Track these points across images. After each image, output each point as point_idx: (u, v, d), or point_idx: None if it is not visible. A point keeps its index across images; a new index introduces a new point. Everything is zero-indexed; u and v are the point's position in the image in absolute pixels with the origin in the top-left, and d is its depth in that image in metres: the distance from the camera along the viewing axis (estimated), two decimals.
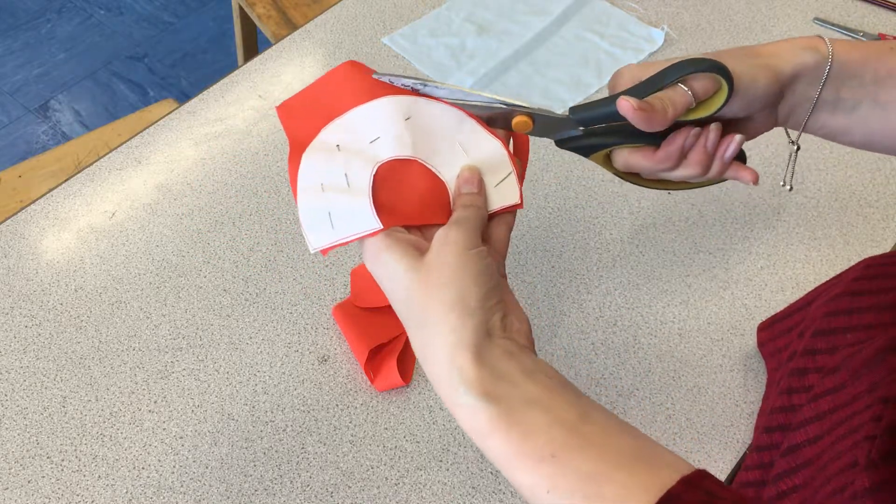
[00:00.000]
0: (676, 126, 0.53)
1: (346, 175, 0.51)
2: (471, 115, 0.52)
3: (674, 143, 0.53)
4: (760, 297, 0.82)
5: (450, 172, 0.52)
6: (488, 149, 0.52)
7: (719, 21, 1.09)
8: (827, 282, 0.72)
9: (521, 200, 0.52)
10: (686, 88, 0.50)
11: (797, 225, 0.88)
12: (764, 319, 0.79)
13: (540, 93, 0.99)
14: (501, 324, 0.46)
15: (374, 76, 0.51)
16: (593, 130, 0.54)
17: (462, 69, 1.01)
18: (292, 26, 1.41)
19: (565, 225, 0.87)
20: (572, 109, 0.53)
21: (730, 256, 0.85)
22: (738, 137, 0.53)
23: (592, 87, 1.00)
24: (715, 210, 0.88)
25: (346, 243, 0.51)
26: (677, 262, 0.84)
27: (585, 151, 0.55)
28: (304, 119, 0.53)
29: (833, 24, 1.08)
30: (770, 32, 1.07)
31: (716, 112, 0.51)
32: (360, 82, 0.52)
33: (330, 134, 0.52)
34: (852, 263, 0.83)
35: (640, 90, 0.51)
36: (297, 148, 0.52)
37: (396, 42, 1.04)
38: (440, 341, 0.44)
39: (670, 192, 0.58)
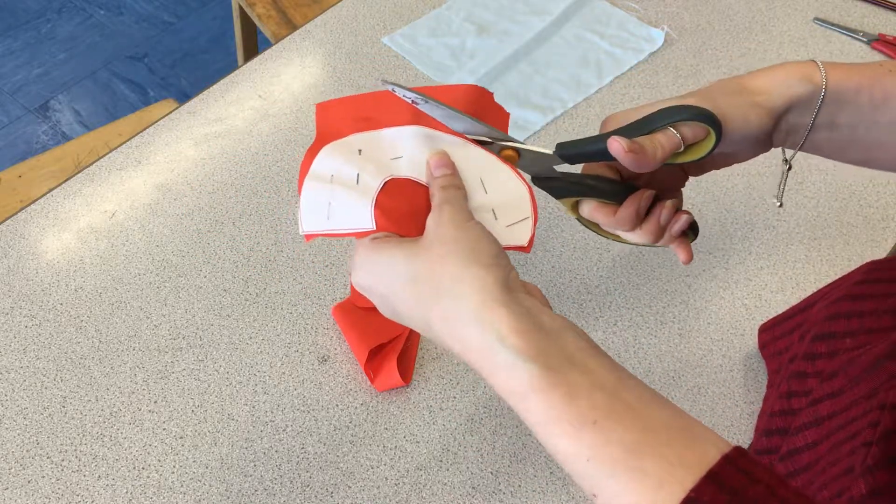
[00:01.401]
0: (659, 178, 0.55)
1: (358, 174, 0.52)
2: (503, 161, 0.53)
3: (630, 207, 0.53)
4: (760, 298, 0.82)
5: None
6: (511, 190, 0.53)
7: (719, 21, 1.09)
8: (829, 284, 0.72)
9: (530, 246, 0.52)
10: (675, 132, 0.50)
11: (797, 225, 0.88)
12: (764, 320, 0.79)
13: (540, 93, 0.99)
14: (519, 282, 0.46)
15: (381, 82, 0.52)
16: (569, 178, 0.55)
17: (462, 69, 1.01)
18: (292, 26, 1.41)
19: (565, 225, 0.87)
20: (559, 146, 0.53)
21: (730, 256, 0.85)
22: (684, 217, 0.54)
23: (592, 88, 1.00)
24: (715, 210, 0.88)
25: (335, 236, 0.52)
26: (677, 262, 0.84)
27: (557, 194, 0.56)
28: (337, 122, 0.54)
29: (833, 24, 1.08)
30: (770, 32, 1.07)
31: (705, 156, 0.52)
32: (403, 112, 0.54)
33: (357, 140, 0.54)
34: (852, 264, 0.83)
35: (629, 131, 0.51)
36: (321, 142, 0.54)
37: (396, 42, 1.04)
38: (464, 303, 0.43)
39: (625, 243, 0.59)
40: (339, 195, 0.52)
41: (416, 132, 0.53)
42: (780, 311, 0.78)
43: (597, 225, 0.57)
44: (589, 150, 0.52)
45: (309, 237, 0.53)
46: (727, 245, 0.86)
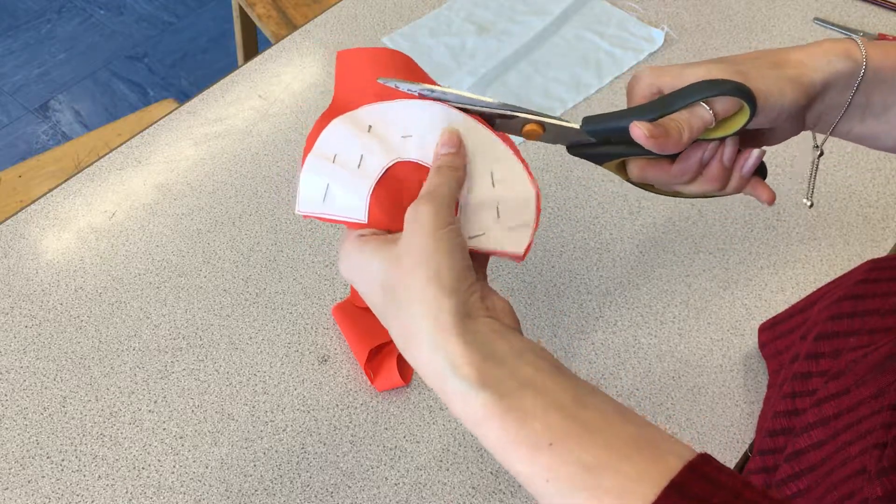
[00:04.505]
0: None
1: (361, 156, 0.50)
2: (520, 158, 0.50)
3: (691, 158, 0.51)
4: (761, 298, 0.82)
5: (467, 195, 0.50)
6: (519, 190, 0.50)
7: (719, 21, 1.09)
8: (829, 283, 0.72)
9: (525, 255, 0.50)
10: (707, 108, 0.48)
11: (797, 225, 0.88)
12: (764, 320, 0.79)
13: (540, 93, 0.99)
14: (482, 304, 0.44)
15: (379, 80, 0.50)
16: (608, 139, 0.52)
17: (462, 69, 1.01)
18: (292, 26, 1.41)
19: (565, 225, 0.87)
20: (586, 120, 0.51)
21: (730, 256, 0.85)
22: (756, 152, 0.51)
23: (592, 88, 1.00)
24: (715, 210, 0.88)
25: (328, 220, 0.50)
26: (677, 262, 0.84)
27: (598, 160, 0.53)
28: (357, 80, 0.52)
29: (833, 24, 1.08)
30: (770, 32, 1.07)
31: (738, 131, 0.50)
32: (424, 82, 0.51)
33: (370, 112, 0.51)
34: (852, 263, 0.83)
35: (657, 108, 0.49)
36: (336, 108, 0.51)
37: (396, 42, 1.04)
38: (420, 325, 0.43)
39: (686, 198, 0.57)
40: (338, 178, 0.50)
41: (434, 108, 0.50)
42: (780, 311, 0.78)
43: (651, 185, 0.55)
44: (617, 125, 0.50)
45: (305, 216, 0.51)
46: (727, 245, 0.86)
